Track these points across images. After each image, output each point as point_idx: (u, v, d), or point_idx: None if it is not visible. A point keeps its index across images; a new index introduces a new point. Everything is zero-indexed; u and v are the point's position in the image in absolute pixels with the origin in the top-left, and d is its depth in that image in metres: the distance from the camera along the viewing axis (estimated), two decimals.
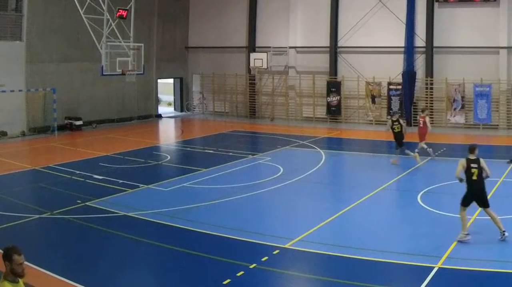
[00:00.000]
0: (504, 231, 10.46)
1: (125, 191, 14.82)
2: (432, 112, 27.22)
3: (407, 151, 18.06)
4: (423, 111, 19.69)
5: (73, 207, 13.17)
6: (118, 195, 14.40)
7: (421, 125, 18.61)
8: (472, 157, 10.71)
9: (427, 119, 18.73)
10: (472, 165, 10.59)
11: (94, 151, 20.84)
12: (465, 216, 10.67)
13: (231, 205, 13.41)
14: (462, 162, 10.71)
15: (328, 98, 29.38)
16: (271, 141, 23.04)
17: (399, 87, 27.36)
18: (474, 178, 10.57)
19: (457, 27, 26.36)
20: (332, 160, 19.60)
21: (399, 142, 18.19)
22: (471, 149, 10.81)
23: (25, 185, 15.97)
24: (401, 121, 18.46)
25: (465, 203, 10.71)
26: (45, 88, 25.66)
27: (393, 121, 18.40)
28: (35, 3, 25.22)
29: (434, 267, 9.05)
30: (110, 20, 21.89)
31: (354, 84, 28.64)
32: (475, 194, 10.63)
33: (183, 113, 34.32)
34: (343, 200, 13.82)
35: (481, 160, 10.68)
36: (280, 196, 14.40)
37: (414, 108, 27.28)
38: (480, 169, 10.57)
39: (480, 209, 10.83)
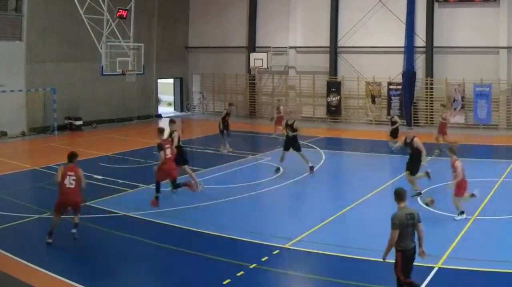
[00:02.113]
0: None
1: (125, 191, 14.83)
2: (432, 112, 27.29)
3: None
4: (279, 101, 26.81)
5: None
6: (118, 195, 14.41)
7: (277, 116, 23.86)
8: None
9: (281, 109, 24.29)
10: None
11: (94, 151, 20.83)
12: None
13: (231, 205, 13.41)
14: None
15: (328, 98, 29.38)
16: (271, 141, 23.02)
17: (399, 87, 27.36)
18: None
19: (457, 27, 26.36)
20: (332, 160, 19.60)
21: (221, 132, 20.85)
22: None
23: (25, 185, 15.97)
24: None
25: None
26: (45, 88, 25.66)
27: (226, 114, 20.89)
28: (35, 3, 25.23)
29: (434, 267, 9.05)
30: (110, 20, 21.88)
31: (354, 84, 28.64)
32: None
33: (183, 113, 34.32)
34: (343, 200, 13.82)
35: None
36: (280, 196, 14.40)
37: (414, 109, 27.33)
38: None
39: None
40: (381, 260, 7.79)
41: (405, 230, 7.53)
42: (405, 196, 7.75)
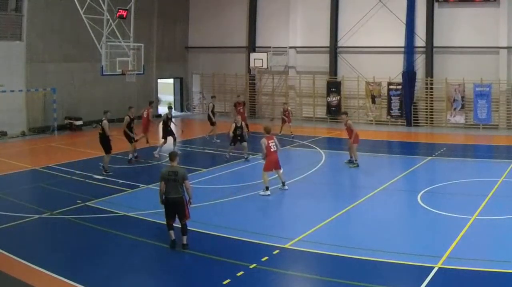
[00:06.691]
0: None
1: (125, 191, 14.83)
2: (432, 112, 27.30)
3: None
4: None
5: (73, 207, 13.17)
6: (118, 195, 14.41)
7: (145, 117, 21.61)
8: None
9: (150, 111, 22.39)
10: None
11: (94, 151, 20.81)
12: None
13: (231, 205, 13.41)
14: None
15: (328, 98, 29.38)
16: None
17: (399, 87, 27.37)
18: None
19: (457, 27, 26.36)
20: (332, 160, 19.60)
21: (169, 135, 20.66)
22: None
23: (25, 185, 15.96)
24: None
25: None
26: (45, 88, 25.65)
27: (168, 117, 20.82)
28: (35, 3, 25.21)
29: (434, 267, 9.05)
30: (110, 20, 21.86)
31: (354, 84, 28.64)
32: None
33: (183, 113, 34.31)
34: (343, 200, 13.82)
35: None
36: (280, 196, 14.40)
37: (414, 109, 27.34)
38: None
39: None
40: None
41: (168, 183, 9.98)
42: (174, 157, 10.23)
